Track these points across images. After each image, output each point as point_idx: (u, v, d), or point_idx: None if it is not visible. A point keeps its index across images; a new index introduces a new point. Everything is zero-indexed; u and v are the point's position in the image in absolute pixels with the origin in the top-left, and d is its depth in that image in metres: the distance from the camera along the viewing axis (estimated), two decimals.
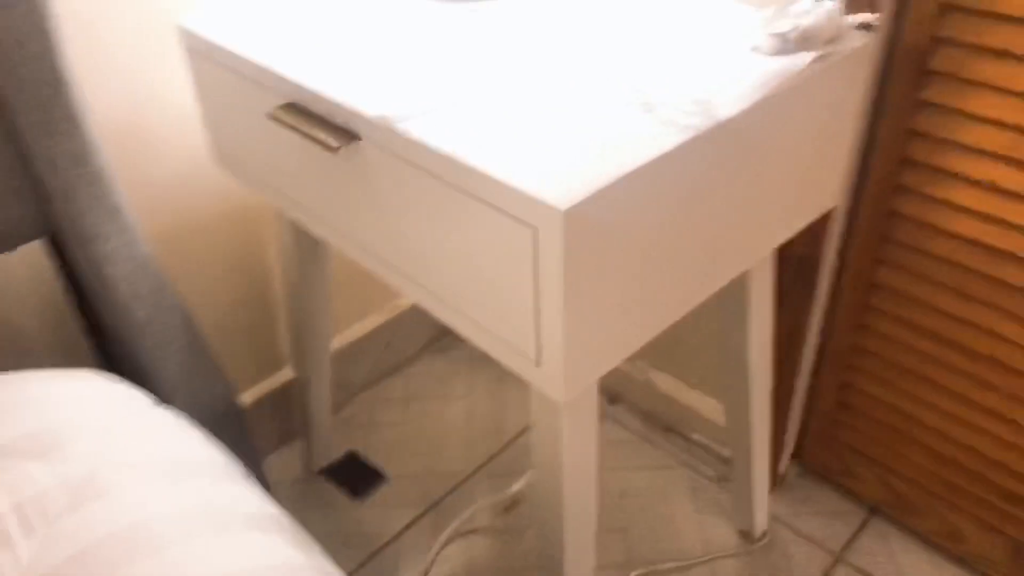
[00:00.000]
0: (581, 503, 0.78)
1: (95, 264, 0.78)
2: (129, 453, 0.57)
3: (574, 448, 0.73)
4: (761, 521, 1.17)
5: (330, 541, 1.19)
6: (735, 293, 0.92)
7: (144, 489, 0.54)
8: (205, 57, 0.82)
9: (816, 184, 0.79)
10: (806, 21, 0.70)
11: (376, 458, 1.32)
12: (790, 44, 0.70)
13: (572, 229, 0.54)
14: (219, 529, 0.52)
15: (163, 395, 0.84)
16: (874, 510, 1.20)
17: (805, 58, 0.69)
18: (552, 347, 0.61)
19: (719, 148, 0.63)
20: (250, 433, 1.03)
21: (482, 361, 1.50)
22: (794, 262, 1.02)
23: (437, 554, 1.17)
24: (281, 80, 0.72)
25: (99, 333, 0.88)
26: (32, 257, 0.90)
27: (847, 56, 0.72)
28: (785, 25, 0.70)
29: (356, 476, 1.29)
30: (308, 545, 0.57)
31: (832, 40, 0.72)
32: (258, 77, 0.75)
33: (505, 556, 1.16)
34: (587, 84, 0.68)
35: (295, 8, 0.86)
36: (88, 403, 0.62)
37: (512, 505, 1.24)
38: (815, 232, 0.98)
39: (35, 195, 0.78)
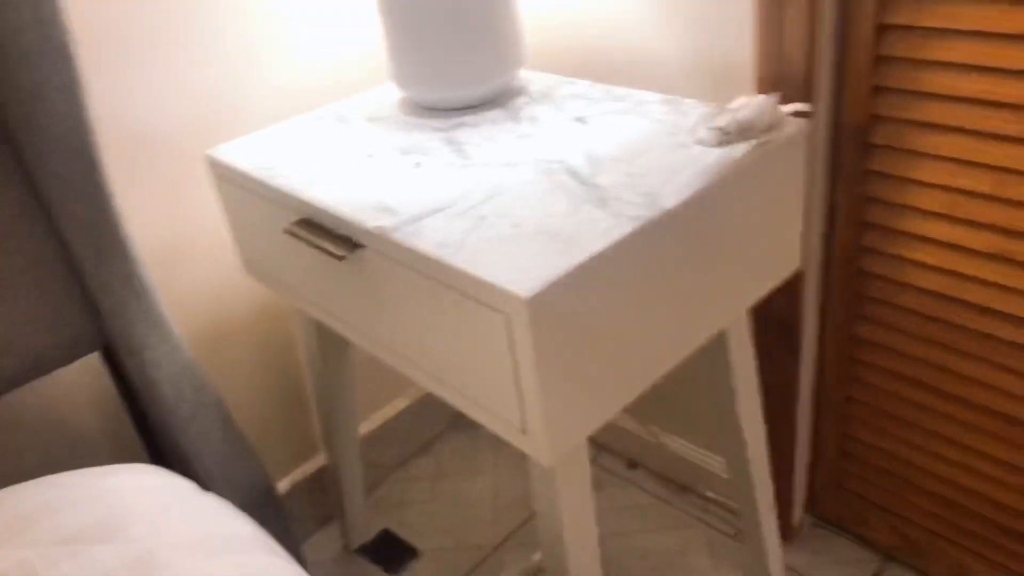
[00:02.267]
0: (584, 554, 0.85)
1: (143, 370, 0.89)
2: (179, 534, 0.67)
3: (570, 502, 0.80)
4: (776, 572, 1.21)
5: None
6: (718, 355, 1.00)
7: (192, 564, 0.63)
8: (230, 181, 0.95)
9: (773, 252, 0.88)
10: (743, 114, 0.81)
11: (408, 535, 1.39)
12: (730, 136, 0.81)
13: (537, 313, 0.64)
14: None
15: (206, 482, 0.94)
16: (888, 557, 1.24)
17: (743, 148, 0.79)
18: (534, 416, 0.69)
19: (667, 233, 0.73)
20: (287, 516, 1.12)
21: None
22: (774, 324, 1.10)
23: None
24: (294, 199, 0.84)
25: (148, 429, 0.98)
26: (89, 367, 1.02)
27: (785, 141, 0.82)
28: (724, 119, 0.81)
29: (390, 553, 1.36)
30: None
31: (769, 129, 0.82)
32: (274, 197, 0.87)
33: None
34: (551, 186, 0.78)
35: (305, 140, 0.99)
36: (143, 492, 0.72)
37: (537, 572, 1.30)
38: (791, 295, 1.06)
39: (91, 314, 0.90)
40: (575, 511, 0.82)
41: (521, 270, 0.65)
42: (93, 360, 0.99)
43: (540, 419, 0.69)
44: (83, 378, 1.02)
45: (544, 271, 0.65)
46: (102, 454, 1.05)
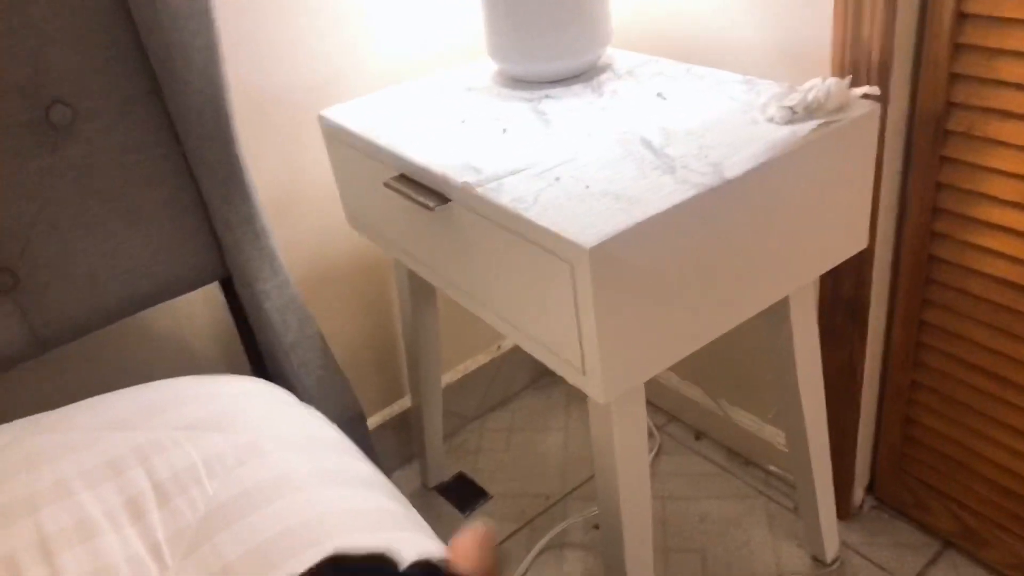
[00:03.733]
0: (635, 496, 0.93)
1: (255, 300, 1.02)
2: (280, 429, 0.79)
3: (624, 442, 0.88)
4: (831, 547, 1.25)
5: None
6: (781, 327, 1.04)
7: (290, 454, 0.75)
8: (339, 139, 1.06)
9: (839, 230, 0.92)
10: (812, 95, 0.85)
11: (481, 479, 1.50)
12: (798, 114, 0.85)
13: (597, 264, 0.71)
14: (342, 483, 0.73)
15: (304, 402, 1.06)
16: (947, 543, 1.25)
17: (809, 126, 0.84)
18: (592, 359, 0.77)
19: (729, 201, 0.79)
20: (374, 448, 1.24)
21: (577, 399, 1.66)
22: (844, 304, 1.13)
23: (530, 564, 1.33)
24: (394, 156, 0.94)
25: (256, 354, 1.12)
26: (209, 296, 1.17)
27: (852, 123, 0.86)
28: (794, 99, 0.85)
29: (464, 494, 1.47)
30: (403, 500, 0.76)
31: (838, 110, 0.86)
32: (377, 154, 0.98)
33: (590, 567, 1.30)
34: (624, 154, 0.85)
35: (408, 105, 1.09)
36: (252, 396, 0.85)
37: (598, 524, 1.38)
38: (860, 276, 1.09)
39: (214, 248, 1.03)
40: (628, 451, 0.89)
41: (586, 224, 0.73)
42: (213, 290, 1.13)
43: (597, 361, 0.76)
44: (204, 305, 1.17)
45: (607, 226, 0.72)
46: (216, 372, 1.20)
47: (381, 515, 0.71)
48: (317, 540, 0.66)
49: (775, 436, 1.38)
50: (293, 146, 1.20)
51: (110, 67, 0.90)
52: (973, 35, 0.89)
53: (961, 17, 0.89)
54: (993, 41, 0.88)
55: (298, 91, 1.18)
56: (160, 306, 1.12)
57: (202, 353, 1.17)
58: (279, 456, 0.74)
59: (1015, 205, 0.94)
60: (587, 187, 0.80)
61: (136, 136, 0.94)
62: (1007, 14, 0.85)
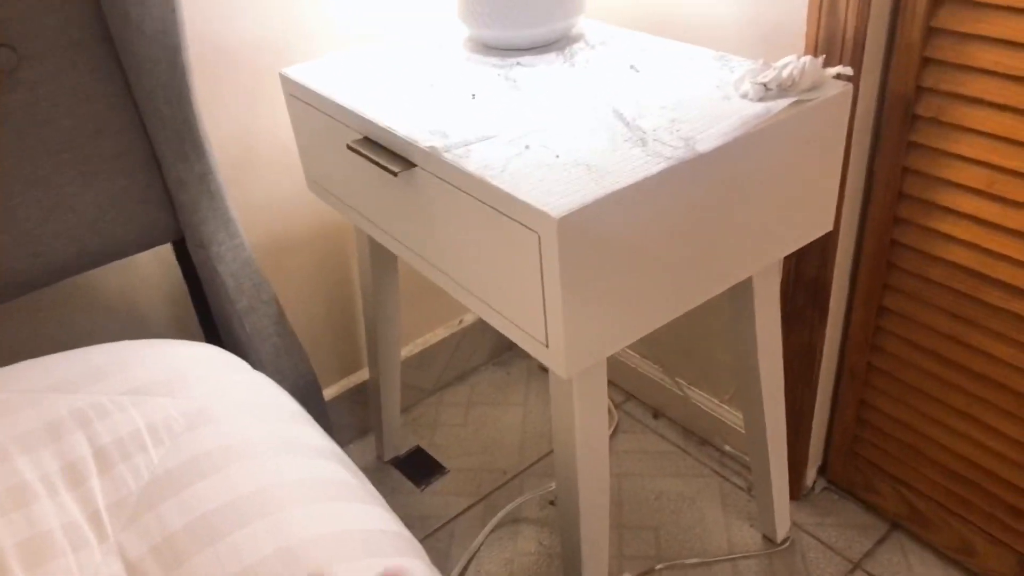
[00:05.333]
0: (594, 472, 0.92)
1: (209, 263, 0.98)
2: (230, 396, 0.76)
3: (584, 417, 0.87)
4: (783, 526, 1.26)
5: None
6: (744, 307, 1.04)
7: (241, 420, 0.72)
8: (300, 98, 1.02)
9: (807, 210, 0.91)
10: (786, 72, 0.84)
11: (438, 453, 1.48)
12: (772, 91, 0.84)
13: (565, 234, 0.69)
14: (293, 452, 0.70)
15: (257, 369, 1.03)
16: (895, 525, 1.28)
17: (783, 103, 0.83)
18: (556, 331, 0.76)
19: (699, 175, 0.77)
20: (329, 419, 1.21)
21: (537, 374, 1.65)
22: (806, 285, 1.13)
23: (485, 538, 1.32)
24: (358, 118, 0.91)
25: (208, 319, 1.08)
26: (160, 257, 1.12)
27: (825, 101, 0.85)
28: (768, 75, 0.84)
29: (420, 467, 1.45)
30: (357, 471, 0.74)
31: (811, 88, 0.85)
32: (340, 115, 0.94)
33: (546, 543, 1.30)
34: (596, 124, 0.83)
35: (373, 64, 1.05)
36: (203, 362, 0.82)
37: (554, 500, 1.37)
38: (824, 258, 1.09)
39: (167, 206, 0.99)
40: (588, 428, 0.88)
41: (555, 194, 0.71)
42: (165, 251, 1.09)
43: (561, 335, 0.75)
44: (155, 267, 1.12)
45: (576, 196, 0.70)
46: (165, 336, 1.16)
47: (333, 486, 0.69)
48: (266, 511, 0.64)
49: (731, 416, 1.39)
50: (253, 104, 1.16)
51: (60, 9, 0.86)
52: (947, 19, 0.89)
53: (935, 1, 0.89)
54: (966, 26, 0.87)
55: (260, 47, 1.13)
56: (109, 266, 1.08)
57: (152, 317, 1.13)
58: (229, 423, 0.72)
59: (979, 193, 0.94)
60: (557, 156, 0.78)
61: (86, 84, 0.89)
62: None
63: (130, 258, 1.01)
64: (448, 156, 0.80)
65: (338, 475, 0.70)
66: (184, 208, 0.97)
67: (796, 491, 1.32)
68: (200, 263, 1.00)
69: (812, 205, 0.92)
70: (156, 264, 1.12)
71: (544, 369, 1.66)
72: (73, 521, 0.63)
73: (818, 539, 1.27)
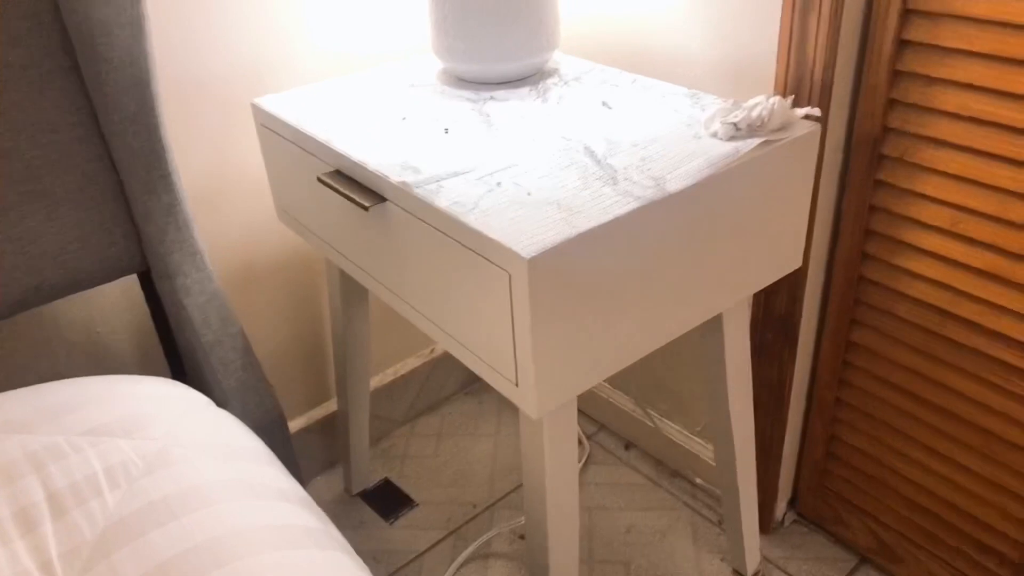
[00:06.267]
0: (563, 507, 0.91)
1: (175, 294, 0.96)
2: (191, 437, 0.74)
3: (554, 457, 0.86)
4: (752, 560, 1.26)
5: (361, 556, 1.33)
6: (714, 343, 1.04)
7: (201, 463, 0.70)
8: (272, 130, 1.01)
9: (776, 248, 0.92)
10: (755, 112, 0.85)
11: (408, 486, 1.46)
12: (741, 131, 0.85)
13: (536, 274, 0.69)
14: (256, 495, 0.68)
15: (222, 405, 1.01)
16: (864, 558, 1.28)
17: (752, 143, 0.83)
18: (526, 371, 0.75)
19: (670, 215, 0.78)
20: (295, 452, 1.19)
21: (509, 405, 1.64)
22: (776, 321, 1.14)
23: (455, 573, 1.30)
24: (329, 150, 0.91)
25: (175, 352, 1.06)
26: (126, 288, 1.10)
27: (794, 141, 0.86)
28: (737, 115, 0.85)
29: (389, 500, 1.43)
30: (321, 515, 0.72)
31: (780, 128, 0.86)
32: (311, 147, 0.94)
33: None
34: (567, 162, 0.84)
35: (346, 99, 1.05)
36: (164, 400, 0.80)
37: (526, 536, 1.36)
38: (793, 294, 1.10)
39: (133, 238, 0.97)
40: (558, 463, 0.87)
41: (526, 233, 0.71)
42: (130, 282, 1.07)
43: (531, 374, 0.74)
44: (119, 298, 1.10)
45: (547, 236, 0.70)
46: (130, 370, 1.13)
47: (296, 532, 0.67)
48: (223, 560, 0.62)
49: (703, 449, 1.39)
50: (224, 135, 1.15)
51: (25, 39, 0.84)
52: (912, 62, 0.91)
53: (901, 44, 0.91)
54: (931, 69, 0.89)
55: (233, 78, 1.13)
56: (71, 298, 1.05)
57: (116, 350, 1.11)
58: (188, 466, 0.70)
59: (943, 232, 0.96)
60: (529, 194, 0.78)
61: (52, 115, 0.88)
62: (945, 43, 0.87)
63: (94, 289, 0.99)
64: (419, 192, 0.79)
65: (301, 520, 0.69)
66: (150, 240, 0.95)
67: (766, 524, 1.32)
68: (165, 295, 0.98)
69: (781, 242, 0.92)
70: (121, 295, 1.10)
71: None
72: (25, 570, 0.61)
73: (788, 573, 1.27)
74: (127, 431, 0.73)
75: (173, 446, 0.72)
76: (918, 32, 0.89)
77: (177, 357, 1.05)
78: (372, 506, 1.42)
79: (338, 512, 1.42)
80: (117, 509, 0.65)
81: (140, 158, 0.92)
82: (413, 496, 1.44)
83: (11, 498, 0.66)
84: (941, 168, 0.93)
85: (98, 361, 1.09)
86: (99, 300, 1.08)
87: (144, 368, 1.14)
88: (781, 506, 1.33)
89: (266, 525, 0.65)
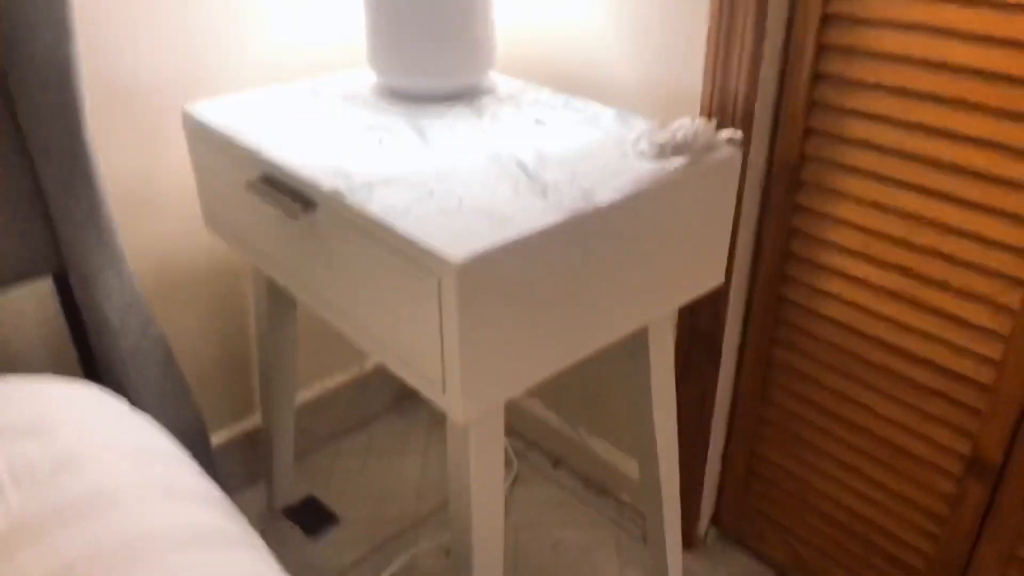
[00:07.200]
0: (488, 520, 0.91)
1: (93, 298, 0.94)
2: (104, 439, 0.72)
3: (480, 464, 0.86)
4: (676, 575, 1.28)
5: None
6: (639, 357, 1.06)
7: (113, 465, 0.68)
8: (202, 136, 1.00)
9: (699, 264, 0.95)
10: (680, 133, 0.88)
11: (332, 502, 1.44)
12: (667, 151, 0.88)
13: (465, 280, 0.70)
14: (169, 498, 0.66)
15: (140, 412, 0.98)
16: (782, 573, 1.31)
17: (676, 162, 0.86)
18: (453, 376, 0.75)
19: (597, 227, 0.79)
20: (216, 464, 1.16)
21: (439, 423, 1.63)
22: (699, 338, 1.17)
23: None
24: (258, 157, 0.90)
25: (89, 357, 1.02)
26: (37, 292, 1.06)
27: (717, 163, 0.89)
28: (663, 136, 0.88)
29: (312, 517, 1.41)
30: (237, 516, 0.70)
31: (703, 150, 0.90)
32: (241, 154, 0.93)
33: None
34: (499, 174, 0.85)
35: (278, 107, 1.05)
36: (75, 401, 0.77)
37: (451, 551, 1.35)
38: (716, 312, 1.14)
39: (50, 240, 0.94)
40: (484, 475, 0.87)
41: (457, 239, 0.72)
42: (44, 286, 1.03)
43: (458, 379, 0.75)
44: (30, 300, 1.06)
45: (477, 242, 0.71)
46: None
47: (211, 533, 0.66)
48: (135, 562, 0.60)
49: (629, 466, 1.40)
50: (152, 140, 1.13)
51: None
52: (826, 94, 0.96)
53: (817, 77, 0.96)
54: (844, 101, 0.94)
55: (163, 83, 1.11)
56: None
57: (26, 354, 1.06)
58: (99, 468, 0.67)
59: (856, 254, 1.01)
60: (460, 202, 0.79)
61: None
62: (857, 77, 0.92)
63: (3, 290, 0.95)
64: (350, 198, 0.79)
65: (215, 521, 0.67)
66: (69, 242, 0.93)
67: (689, 540, 1.34)
68: (83, 299, 0.95)
69: (704, 259, 0.95)
70: (31, 297, 1.06)
71: (445, 419, 1.65)
72: None
73: None
74: (35, 432, 0.70)
75: (84, 448, 0.69)
76: (832, 66, 0.94)
77: (92, 363, 1.02)
78: (295, 522, 1.39)
79: (261, 528, 1.38)
80: (21, 510, 0.63)
81: (60, 159, 0.90)
82: (338, 513, 1.42)
83: None
84: (854, 193, 0.98)
85: (8, 365, 1.05)
86: (8, 301, 1.04)
87: (57, 373, 1.10)
88: (704, 522, 1.36)
89: (180, 525, 0.64)
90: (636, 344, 1.05)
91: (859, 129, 0.94)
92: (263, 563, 0.66)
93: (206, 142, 1.00)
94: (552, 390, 1.49)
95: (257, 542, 0.69)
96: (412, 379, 0.82)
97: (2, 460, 0.66)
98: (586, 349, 0.86)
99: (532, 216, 0.76)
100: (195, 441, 1.02)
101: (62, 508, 0.63)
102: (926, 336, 0.98)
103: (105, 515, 0.62)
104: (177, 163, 1.16)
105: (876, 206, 0.96)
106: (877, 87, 0.91)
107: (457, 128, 0.97)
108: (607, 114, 1.01)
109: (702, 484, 1.30)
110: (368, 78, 1.16)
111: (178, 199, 1.18)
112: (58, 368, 1.10)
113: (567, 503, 1.45)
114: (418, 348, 0.78)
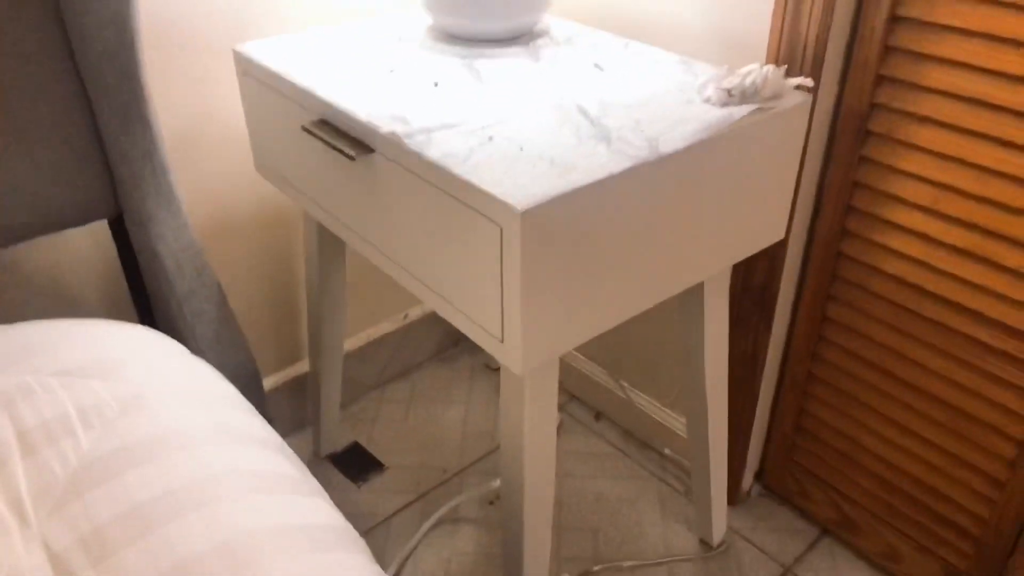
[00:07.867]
0: (540, 471, 0.91)
1: (149, 241, 0.94)
2: (167, 382, 0.72)
3: (534, 415, 0.86)
4: (719, 530, 1.28)
5: None
6: (693, 312, 1.05)
7: (177, 407, 0.69)
8: (254, 77, 0.99)
9: (761, 217, 0.92)
10: (749, 79, 0.85)
11: (377, 450, 1.45)
12: (735, 98, 0.85)
13: (529, 228, 0.68)
14: (233, 442, 0.67)
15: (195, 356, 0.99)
16: (826, 530, 1.30)
17: (745, 110, 0.83)
18: (512, 328, 0.74)
19: (662, 176, 0.77)
20: (268, 410, 1.17)
21: (481, 372, 1.64)
22: (753, 292, 1.15)
23: (423, 537, 1.30)
24: (315, 99, 0.88)
25: (144, 301, 1.03)
26: (96, 234, 1.07)
27: (785, 111, 0.86)
28: (731, 82, 0.85)
29: (358, 464, 1.42)
30: (299, 462, 0.71)
31: (772, 97, 0.86)
32: (296, 96, 0.91)
33: (484, 543, 1.29)
34: (560, 119, 0.83)
35: (332, 48, 1.02)
36: (139, 344, 0.78)
37: (495, 499, 1.36)
38: (773, 265, 1.11)
39: (107, 181, 0.94)
40: (537, 425, 0.87)
41: (519, 186, 0.70)
42: (99, 227, 1.03)
43: (517, 330, 0.74)
44: (87, 244, 1.06)
45: (541, 190, 0.69)
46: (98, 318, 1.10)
47: (274, 478, 0.66)
48: (202, 503, 0.61)
49: (672, 420, 1.40)
50: (203, 81, 1.11)
51: None
52: (903, 39, 0.91)
53: (893, 21, 0.91)
54: (922, 46, 0.90)
55: (216, 22, 1.09)
56: (37, 241, 1.02)
57: (83, 297, 1.07)
58: (165, 410, 0.68)
59: (923, 209, 0.97)
60: (521, 149, 0.77)
61: (26, 45, 0.84)
62: (939, 20, 0.87)
63: (61, 233, 0.96)
64: (410, 142, 0.78)
65: (279, 467, 0.68)
66: (125, 184, 0.92)
67: (733, 496, 1.34)
68: (139, 242, 0.95)
69: (766, 213, 0.93)
70: (89, 241, 1.06)
71: (490, 367, 1.65)
72: None
73: (752, 543, 1.29)
74: (101, 373, 0.71)
75: (149, 390, 0.70)
76: (912, 8, 0.89)
77: (147, 307, 1.02)
78: (340, 469, 1.41)
79: None
80: (91, 449, 0.64)
81: (117, 97, 0.89)
82: (382, 460, 1.43)
83: None
84: (925, 146, 0.94)
85: (65, 308, 1.06)
86: (66, 244, 1.05)
87: (113, 317, 1.11)
88: (748, 478, 1.35)
89: (244, 470, 0.64)
90: (689, 297, 1.03)
91: (936, 76, 0.90)
92: (325, 506, 0.66)
93: (258, 83, 0.98)
94: (595, 343, 1.48)
95: (317, 487, 0.70)
96: (468, 329, 0.81)
97: (71, 400, 0.67)
98: (646, 303, 0.84)
99: (596, 163, 0.74)
100: (249, 385, 1.03)
101: (130, 448, 0.63)
102: (994, 295, 0.94)
103: (172, 456, 0.63)
104: (227, 105, 1.15)
105: (948, 158, 0.93)
106: (960, 31, 0.86)
107: (514, 71, 0.95)
108: (669, 59, 0.98)
109: (748, 440, 1.29)
110: (420, 20, 1.13)
111: (228, 143, 1.17)
112: (113, 311, 1.12)
113: (609, 456, 1.45)
114: (476, 298, 0.77)
